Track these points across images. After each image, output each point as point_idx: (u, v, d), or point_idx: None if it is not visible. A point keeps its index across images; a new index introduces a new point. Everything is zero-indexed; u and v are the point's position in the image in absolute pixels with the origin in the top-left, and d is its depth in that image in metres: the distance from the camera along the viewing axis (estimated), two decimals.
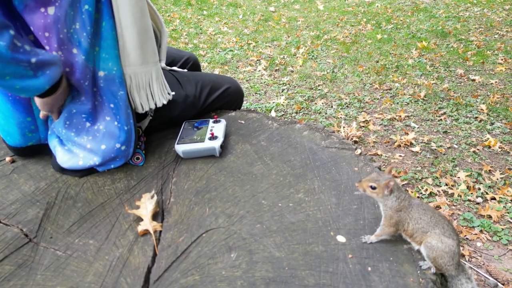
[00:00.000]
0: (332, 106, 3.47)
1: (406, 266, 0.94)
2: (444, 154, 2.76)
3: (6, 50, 0.90)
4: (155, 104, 1.31)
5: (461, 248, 2.00)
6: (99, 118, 1.22)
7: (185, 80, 1.51)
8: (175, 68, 1.54)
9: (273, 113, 3.33)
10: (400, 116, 3.24)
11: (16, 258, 0.99)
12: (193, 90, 1.52)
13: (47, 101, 1.11)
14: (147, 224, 1.07)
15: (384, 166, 2.63)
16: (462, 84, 3.82)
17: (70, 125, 1.21)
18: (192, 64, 1.81)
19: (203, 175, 1.29)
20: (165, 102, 1.33)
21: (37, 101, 1.13)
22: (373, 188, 0.99)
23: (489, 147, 2.81)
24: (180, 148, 1.35)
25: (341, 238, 1.02)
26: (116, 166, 1.30)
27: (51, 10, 1.01)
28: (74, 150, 1.24)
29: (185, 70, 1.68)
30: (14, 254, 1.00)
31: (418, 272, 0.92)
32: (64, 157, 1.24)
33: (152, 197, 1.14)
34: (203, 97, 1.56)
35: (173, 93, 1.39)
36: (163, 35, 1.41)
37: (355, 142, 2.92)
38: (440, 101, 3.49)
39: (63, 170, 1.28)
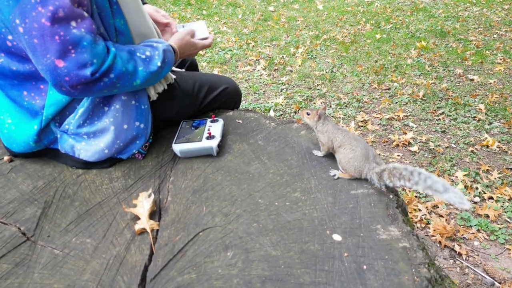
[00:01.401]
0: (330, 106, 3.47)
1: (401, 265, 0.94)
2: (442, 154, 2.77)
3: (147, 71, 1.18)
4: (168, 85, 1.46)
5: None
6: (114, 99, 1.27)
7: (182, 80, 1.52)
8: (172, 67, 1.55)
9: (271, 113, 3.33)
10: (399, 116, 3.25)
11: (13, 257, 0.99)
12: (191, 90, 1.53)
13: (182, 55, 1.41)
14: (144, 223, 1.08)
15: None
16: (460, 83, 3.82)
17: (92, 115, 1.25)
18: (190, 64, 1.82)
19: (200, 174, 1.29)
20: (172, 81, 1.46)
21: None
22: (308, 114, 1.33)
23: (487, 146, 2.82)
24: (178, 147, 1.35)
25: (337, 237, 1.03)
26: (137, 149, 1.35)
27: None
28: (93, 142, 1.27)
29: (183, 70, 1.69)
30: (12, 252, 1.01)
31: (413, 270, 0.93)
32: (87, 152, 1.27)
33: (149, 196, 1.15)
34: (200, 97, 1.56)
35: (174, 77, 1.51)
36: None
37: None
38: (439, 100, 3.50)
39: (89, 165, 1.30)
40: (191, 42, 1.42)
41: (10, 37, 1.07)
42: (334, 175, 1.25)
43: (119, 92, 1.19)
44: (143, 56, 1.18)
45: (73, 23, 0.99)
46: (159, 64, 1.21)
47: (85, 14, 1.03)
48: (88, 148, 1.26)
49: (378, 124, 3.18)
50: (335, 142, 1.28)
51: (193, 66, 1.85)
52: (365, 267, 0.94)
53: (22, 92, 1.20)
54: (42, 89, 1.20)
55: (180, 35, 1.40)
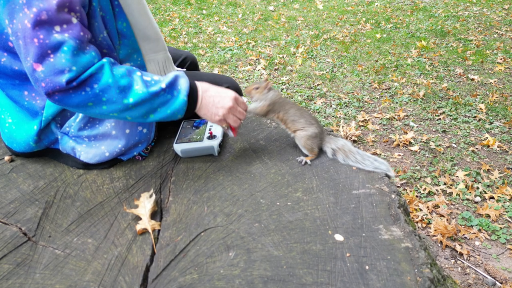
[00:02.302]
0: (331, 106, 3.47)
1: (404, 265, 0.94)
2: (443, 153, 2.77)
3: (144, 91, 1.06)
4: None
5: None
6: None
7: None
8: (173, 66, 1.54)
9: None
10: (399, 116, 3.25)
11: (15, 257, 0.99)
12: None
13: (203, 111, 1.20)
14: (146, 223, 1.08)
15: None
16: (461, 83, 3.82)
17: (94, 118, 1.24)
18: (190, 64, 1.81)
19: (201, 174, 1.29)
20: None
21: (203, 116, 1.22)
22: (257, 88, 1.35)
23: (488, 146, 2.82)
24: (179, 147, 1.35)
25: (339, 237, 1.02)
26: (138, 151, 1.34)
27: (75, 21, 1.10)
28: (94, 144, 1.26)
29: (183, 69, 1.68)
30: (13, 253, 1.00)
31: (416, 270, 0.93)
32: (88, 154, 1.26)
33: (150, 196, 1.14)
34: None
35: None
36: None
37: (354, 141, 2.92)
38: (439, 100, 3.49)
39: (89, 166, 1.30)
40: (224, 91, 1.22)
41: (11, 38, 1.07)
42: (302, 160, 1.31)
43: (109, 110, 1.06)
44: (148, 79, 1.09)
45: (57, 28, 0.96)
46: (163, 86, 1.09)
47: (74, 20, 0.99)
48: (89, 151, 1.26)
49: (379, 124, 3.18)
50: (275, 112, 1.34)
51: (193, 66, 1.85)
52: (367, 267, 0.93)
53: (23, 92, 1.20)
54: None
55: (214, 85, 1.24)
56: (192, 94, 1.16)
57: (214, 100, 1.20)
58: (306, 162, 1.31)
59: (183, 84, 1.14)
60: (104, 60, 1.04)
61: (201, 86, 1.20)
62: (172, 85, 1.12)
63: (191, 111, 1.18)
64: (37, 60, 0.96)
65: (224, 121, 1.22)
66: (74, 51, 0.97)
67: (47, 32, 0.95)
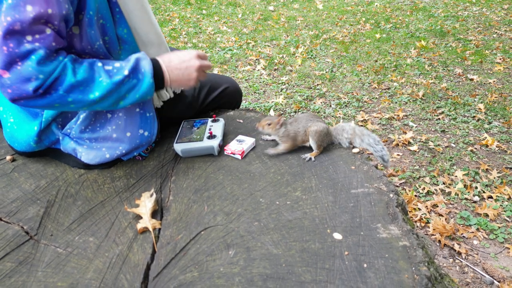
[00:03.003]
0: (330, 106, 3.48)
1: (401, 263, 0.95)
2: (441, 153, 2.78)
3: (108, 82, 1.05)
4: (174, 92, 1.43)
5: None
6: None
7: None
8: None
9: (272, 113, 3.34)
10: (398, 116, 3.26)
11: (17, 255, 1.00)
12: (192, 90, 1.54)
13: (175, 83, 1.20)
14: (146, 222, 1.09)
15: (381, 165, 2.65)
16: (460, 83, 3.83)
17: (95, 121, 1.25)
18: None
19: (201, 173, 1.30)
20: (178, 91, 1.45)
21: (177, 87, 1.25)
22: (269, 124, 1.37)
23: (487, 146, 2.83)
24: (179, 147, 1.36)
25: (337, 236, 1.04)
26: (139, 152, 1.34)
27: (75, 30, 1.10)
28: (95, 146, 1.27)
29: None
30: (15, 251, 1.01)
31: (413, 268, 0.94)
32: (89, 155, 1.27)
33: (151, 195, 1.16)
34: (201, 97, 1.57)
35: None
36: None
37: None
38: (438, 100, 3.51)
39: (89, 167, 1.31)
40: (186, 53, 1.22)
41: None
42: (306, 157, 1.34)
43: (78, 107, 1.07)
44: (110, 68, 1.08)
45: (29, 37, 0.96)
46: (125, 72, 1.08)
47: (48, 30, 0.98)
48: (90, 152, 1.27)
49: (378, 124, 3.19)
50: (300, 134, 1.37)
51: None
52: (365, 265, 0.95)
53: None
54: None
55: (176, 52, 1.24)
56: (158, 73, 1.15)
57: (181, 67, 1.19)
58: (310, 158, 1.34)
59: (146, 66, 1.12)
60: (66, 59, 1.03)
61: (163, 61, 1.18)
62: (135, 70, 1.10)
63: (161, 88, 1.19)
64: (4, 67, 0.96)
65: (198, 80, 1.24)
66: (41, 60, 0.97)
67: (17, 42, 0.95)
